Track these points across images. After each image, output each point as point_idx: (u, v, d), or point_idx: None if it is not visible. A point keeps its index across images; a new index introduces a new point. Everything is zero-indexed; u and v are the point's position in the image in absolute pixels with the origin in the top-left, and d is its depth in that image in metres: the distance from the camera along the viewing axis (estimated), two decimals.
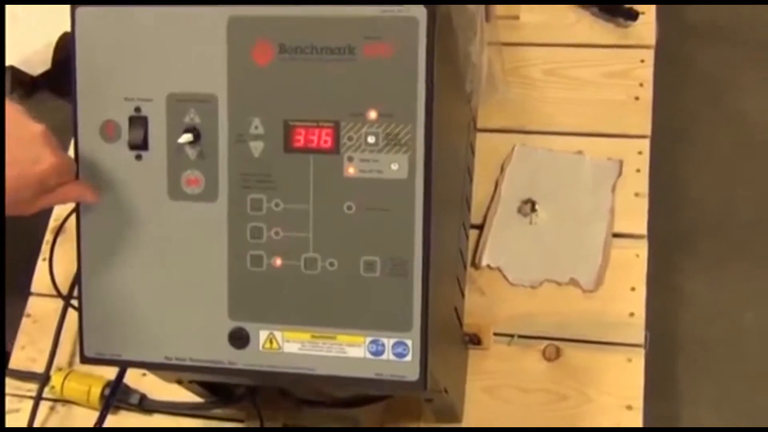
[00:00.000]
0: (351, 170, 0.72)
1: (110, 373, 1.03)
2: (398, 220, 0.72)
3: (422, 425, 1.00)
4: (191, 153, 0.75)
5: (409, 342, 0.73)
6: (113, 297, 0.78)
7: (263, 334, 0.76)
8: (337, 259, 0.73)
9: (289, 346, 0.75)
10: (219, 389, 1.00)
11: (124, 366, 0.82)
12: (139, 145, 0.75)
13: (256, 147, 0.74)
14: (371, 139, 0.72)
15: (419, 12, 0.70)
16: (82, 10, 0.76)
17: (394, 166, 0.72)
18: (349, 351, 0.74)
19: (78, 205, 0.77)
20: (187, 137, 0.74)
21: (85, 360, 0.79)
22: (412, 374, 0.73)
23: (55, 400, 1.12)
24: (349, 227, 0.73)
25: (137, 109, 0.75)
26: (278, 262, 0.74)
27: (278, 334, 0.75)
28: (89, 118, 0.76)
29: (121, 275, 0.77)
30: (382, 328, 0.73)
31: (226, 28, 0.73)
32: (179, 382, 0.94)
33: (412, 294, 0.72)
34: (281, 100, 0.73)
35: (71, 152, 0.78)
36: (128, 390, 1.08)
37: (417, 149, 0.71)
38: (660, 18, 1.18)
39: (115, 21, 0.75)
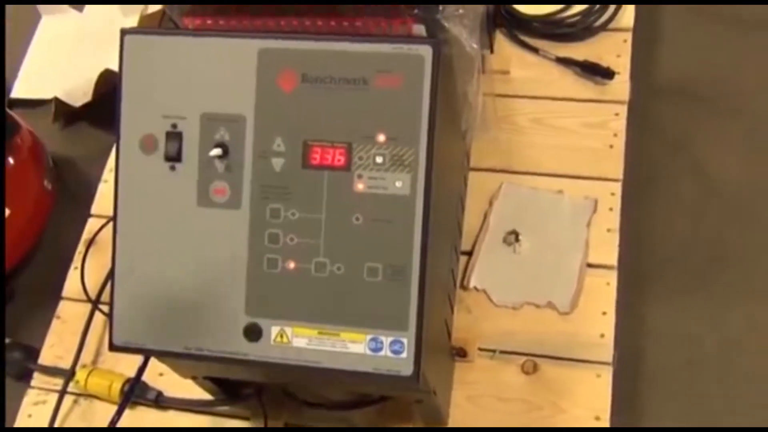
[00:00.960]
0: (360, 186, 0.75)
1: (130, 371, 1.04)
2: (400, 231, 0.74)
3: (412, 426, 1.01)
4: (219, 166, 0.77)
5: (405, 340, 0.75)
6: (142, 292, 0.79)
7: (275, 330, 0.77)
8: (344, 264, 0.75)
9: (297, 341, 0.77)
10: (228, 388, 1.01)
11: (148, 354, 0.83)
12: (174, 157, 0.78)
13: (277, 163, 0.76)
14: (379, 159, 0.75)
15: (425, 50, 0.73)
16: (131, 38, 0.79)
17: (398, 184, 0.74)
18: (351, 347, 0.76)
19: (116, 209, 0.80)
20: (216, 151, 0.77)
21: (113, 348, 0.81)
22: (407, 369, 0.75)
23: (78, 394, 1.12)
24: (356, 236, 0.75)
25: (174, 126, 0.78)
26: (292, 265, 0.76)
27: (288, 330, 0.77)
28: (131, 132, 0.79)
29: (150, 272, 0.79)
30: (381, 327, 0.75)
31: (257, 58, 0.76)
32: (194, 378, 0.96)
33: (409, 297, 0.74)
34: (302, 122, 0.76)
35: (112, 164, 0.80)
36: (146, 387, 1.09)
37: (419, 169, 0.74)
38: (633, 77, 1.21)
39: (159, 47, 0.78)
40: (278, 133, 0.76)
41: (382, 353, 0.75)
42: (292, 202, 0.76)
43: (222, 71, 0.77)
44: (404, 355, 0.75)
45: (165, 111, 0.78)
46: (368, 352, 0.76)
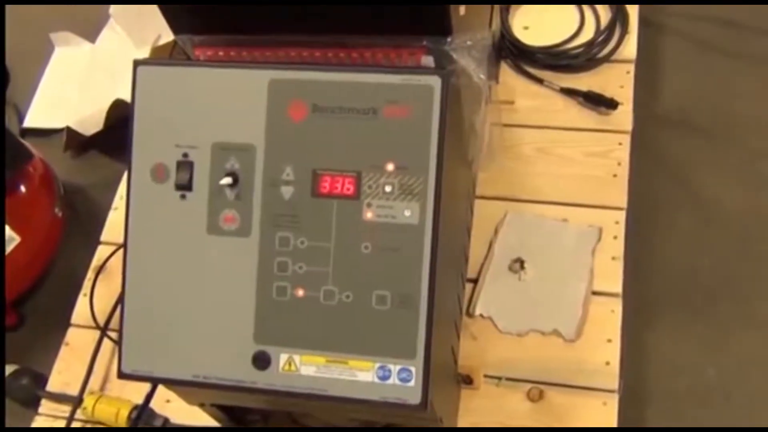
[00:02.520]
0: (369, 215, 0.74)
1: (137, 397, 1.03)
2: (408, 259, 0.73)
3: None
4: (230, 194, 0.77)
5: (413, 368, 0.74)
6: (151, 319, 0.78)
7: (283, 357, 0.76)
8: (353, 292, 0.75)
9: (306, 369, 0.76)
10: (235, 415, 1.00)
11: (156, 382, 0.82)
12: (185, 186, 0.77)
13: (287, 191, 0.76)
14: (388, 188, 0.74)
15: (434, 80, 0.73)
16: (144, 68, 0.78)
17: (407, 213, 0.74)
18: (359, 375, 0.75)
19: (126, 236, 0.79)
20: (227, 180, 0.76)
21: (121, 375, 0.80)
22: (415, 398, 0.74)
23: (85, 421, 1.11)
24: (365, 264, 0.74)
25: (185, 155, 0.77)
26: (300, 293, 0.76)
27: (297, 358, 0.76)
28: (142, 161, 0.78)
29: (159, 300, 0.78)
30: (389, 356, 0.74)
31: (267, 88, 0.76)
32: (201, 405, 0.94)
33: (417, 326, 0.73)
34: (311, 151, 0.75)
35: (122, 192, 0.80)
36: (153, 414, 1.07)
37: (427, 198, 0.73)
38: (636, 107, 1.21)
39: (171, 77, 0.78)
40: (288, 162, 0.76)
41: (390, 381, 0.74)
42: (302, 231, 0.75)
43: (233, 101, 0.77)
44: (412, 383, 0.74)
45: (176, 140, 0.78)
46: (376, 380, 0.74)
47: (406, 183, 0.74)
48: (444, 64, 0.77)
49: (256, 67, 0.76)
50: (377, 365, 0.74)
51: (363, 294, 0.74)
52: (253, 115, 0.76)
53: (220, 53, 0.80)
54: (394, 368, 0.74)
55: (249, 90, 0.76)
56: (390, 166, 0.74)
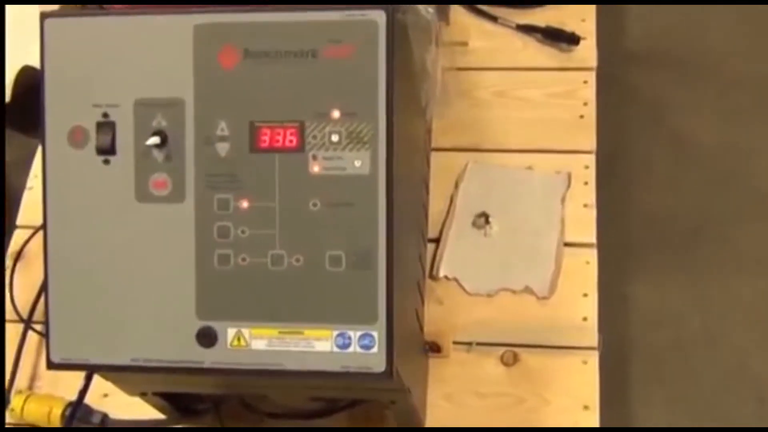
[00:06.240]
0: (316, 168, 0.74)
1: (71, 393, 1.02)
2: (362, 214, 0.73)
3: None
4: (158, 156, 0.76)
5: (375, 333, 0.74)
6: (80, 300, 0.77)
7: (231, 332, 0.76)
8: (303, 254, 0.74)
9: (256, 343, 0.75)
10: (182, 404, 0.99)
11: (90, 370, 0.81)
12: (107, 150, 0.76)
13: (223, 148, 0.75)
14: (335, 138, 0.74)
15: (378, 15, 0.73)
16: (52, 22, 0.77)
17: (357, 163, 0.73)
18: (317, 345, 0.75)
19: (45, 210, 0.78)
20: (154, 140, 0.75)
21: (51, 366, 0.78)
22: (379, 366, 0.74)
23: (15, 425, 1.09)
24: (315, 223, 0.74)
25: (105, 115, 0.76)
26: (245, 260, 0.75)
27: (246, 332, 0.76)
28: (57, 125, 0.77)
29: (88, 279, 0.77)
30: (348, 322, 0.74)
31: (192, 35, 0.75)
32: (143, 395, 0.94)
33: (376, 286, 0.73)
34: (247, 102, 0.74)
35: (37, 170, 0.78)
36: (90, 410, 1.06)
37: (378, 146, 0.73)
38: (600, 42, 1.22)
39: (83, 30, 0.76)
40: (222, 116, 0.75)
41: (351, 349, 0.74)
42: (242, 191, 0.75)
43: (155, 52, 0.75)
44: (375, 350, 0.74)
45: (94, 99, 0.76)
46: (335, 349, 0.75)
47: (354, 130, 0.73)
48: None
49: (179, 12, 0.75)
50: (335, 333, 0.75)
51: (315, 256, 0.74)
52: (178, 66, 0.75)
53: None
54: (354, 335, 0.74)
55: (172, 38, 0.75)
56: (335, 113, 0.73)
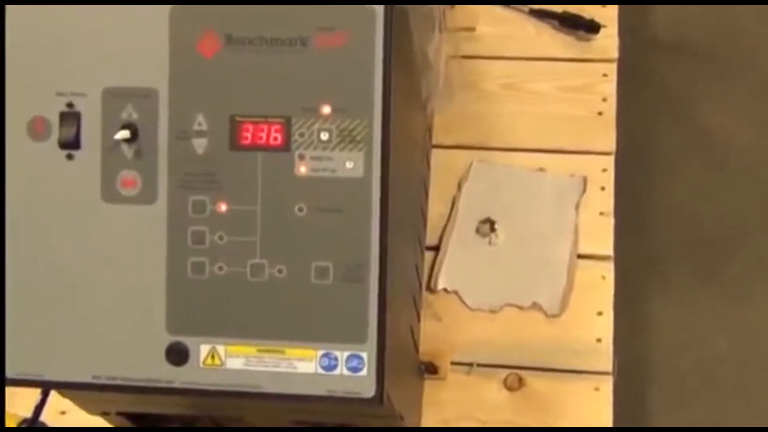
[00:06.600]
0: (302, 169, 0.75)
1: (26, 409, 1.02)
2: (353, 221, 0.74)
3: None
4: (128, 151, 0.76)
5: (364, 355, 0.75)
6: (38, 310, 0.78)
7: (204, 349, 0.76)
8: (286, 265, 0.75)
9: (232, 362, 0.76)
10: (147, 424, 1.00)
11: (47, 387, 0.82)
12: (71, 144, 0.76)
13: (200, 144, 0.75)
14: (324, 136, 0.74)
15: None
16: (13, 7, 0.77)
17: (349, 164, 0.74)
18: (299, 366, 0.76)
19: (2, 209, 0.78)
20: (123, 134, 0.75)
21: (5, 381, 0.79)
22: (368, 390, 0.75)
23: None
24: (300, 230, 0.75)
25: (69, 105, 0.76)
26: (222, 269, 0.76)
27: (221, 349, 0.76)
28: (17, 115, 0.77)
29: (47, 286, 0.78)
30: (334, 341, 0.75)
31: (168, 18, 0.75)
32: (105, 414, 0.94)
33: (367, 302, 0.74)
34: (227, 94, 0.75)
35: None
36: (46, 428, 1.07)
37: (373, 146, 0.74)
38: (623, 31, 1.23)
39: (48, 15, 0.76)
40: (199, 109, 0.75)
41: (337, 372, 0.75)
42: (220, 192, 0.75)
43: (126, 36, 0.76)
44: (364, 372, 0.75)
45: (58, 87, 0.77)
46: (320, 371, 0.75)
47: (346, 128, 0.74)
48: None
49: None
50: (320, 353, 0.75)
51: (299, 267, 0.75)
52: (153, 52, 0.75)
53: None
54: (342, 355, 0.75)
55: (146, 21, 0.75)
56: (325, 109, 0.74)
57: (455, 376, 1.06)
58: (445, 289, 1.10)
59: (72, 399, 0.87)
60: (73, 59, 0.76)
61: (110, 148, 0.76)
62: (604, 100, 1.19)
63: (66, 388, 0.81)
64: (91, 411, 0.93)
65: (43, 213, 0.77)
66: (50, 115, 0.77)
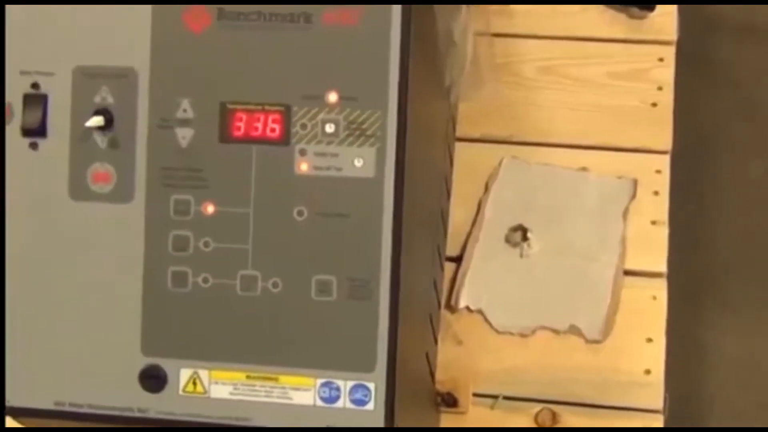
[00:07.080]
0: (303, 166, 0.75)
1: None
2: (361, 228, 0.74)
3: None
4: (101, 141, 0.77)
5: (371, 385, 0.75)
6: None
7: (185, 374, 0.77)
8: (283, 278, 0.75)
9: (217, 390, 0.77)
10: None
11: (3, 414, 0.82)
12: (35, 131, 0.77)
13: (184, 135, 0.76)
14: (330, 128, 0.75)
15: None
16: None
17: (358, 163, 0.74)
18: (295, 396, 0.76)
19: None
20: (96, 120, 0.76)
21: None
22: (375, 425, 0.75)
23: None
24: (299, 238, 0.75)
25: (35, 86, 0.77)
26: (207, 281, 0.76)
27: (204, 374, 0.77)
28: None
29: (5, 297, 0.78)
30: (337, 368, 0.75)
31: None
32: None
33: (376, 324, 0.74)
34: (218, 77, 0.75)
35: None
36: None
37: (387, 141, 0.74)
38: (682, 9, 1.23)
39: None
40: (185, 93, 0.76)
41: (339, 404, 0.75)
42: (207, 192, 0.76)
43: (102, 9, 0.76)
44: (371, 406, 0.75)
45: (22, 65, 0.77)
46: (319, 402, 0.76)
47: (355, 120, 0.74)
48: None
49: None
50: (320, 382, 0.76)
51: (297, 280, 0.75)
52: (132, 26, 0.76)
53: None
54: (345, 385, 0.75)
55: None
56: (332, 97, 0.74)
57: (477, 409, 1.06)
58: (467, 308, 1.10)
59: (32, 426, 0.87)
60: (41, 32, 0.77)
61: (81, 136, 0.77)
62: (660, 89, 1.19)
63: (24, 415, 0.81)
64: None
65: (2, 213, 0.78)
66: (12, 97, 0.78)
